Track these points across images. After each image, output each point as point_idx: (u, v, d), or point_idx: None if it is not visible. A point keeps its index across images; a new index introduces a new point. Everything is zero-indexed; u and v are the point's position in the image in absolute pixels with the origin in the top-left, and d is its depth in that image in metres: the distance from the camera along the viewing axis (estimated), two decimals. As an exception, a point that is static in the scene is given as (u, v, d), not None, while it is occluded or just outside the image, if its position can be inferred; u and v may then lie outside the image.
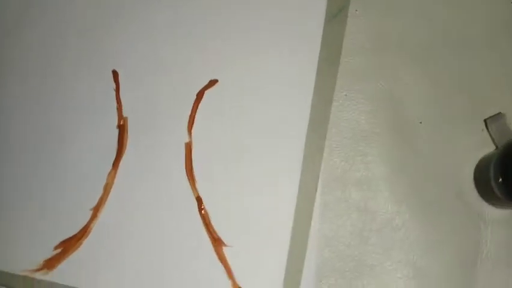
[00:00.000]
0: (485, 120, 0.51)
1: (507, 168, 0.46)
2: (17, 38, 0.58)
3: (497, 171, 0.47)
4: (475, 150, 0.52)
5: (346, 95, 0.54)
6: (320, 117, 0.54)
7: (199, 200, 0.53)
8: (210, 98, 0.55)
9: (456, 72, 0.53)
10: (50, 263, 0.54)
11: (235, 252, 0.52)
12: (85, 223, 0.54)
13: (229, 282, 0.52)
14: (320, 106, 0.54)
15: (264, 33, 0.56)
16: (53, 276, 0.54)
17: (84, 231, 0.54)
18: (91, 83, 0.57)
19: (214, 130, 0.55)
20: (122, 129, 0.56)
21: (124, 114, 0.56)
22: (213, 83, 0.55)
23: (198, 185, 0.54)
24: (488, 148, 0.52)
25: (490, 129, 0.50)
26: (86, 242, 0.54)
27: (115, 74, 0.56)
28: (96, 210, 0.54)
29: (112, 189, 0.55)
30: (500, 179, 0.46)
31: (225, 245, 0.52)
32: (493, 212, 0.51)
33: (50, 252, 0.54)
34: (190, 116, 0.55)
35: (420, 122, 0.53)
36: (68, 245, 0.54)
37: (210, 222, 0.53)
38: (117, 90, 0.56)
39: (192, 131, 0.55)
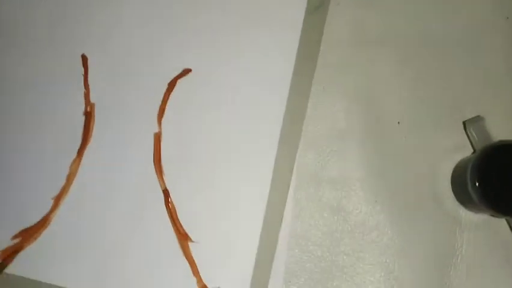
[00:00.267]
0: (463, 123, 0.50)
1: (484, 172, 0.45)
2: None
3: (474, 175, 0.45)
4: (453, 153, 0.50)
5: (324, 88, 0.53)
6: (295, 113, 0.52)
7: (166, 193, 0.51)
8: (182, 88, 0.53)
9: (436, 73, 0.52)
10: (6, 254, 0.51)
11: (201, 249, 0.50)
12: (46, 213, 0.52)
13: (194, 280, 0.50)
14: (297, 101, 0.52)
15: (242, 23, 0.54)
16: (9, 267, 0.51)
17: (44, 222, 0.52)
18: (58, 66, 0.54)
19: (185, 121, 0.52)
20: (89, 116, 0.53)
21: (92, 100, 0.53)
22: (186, 72, 0.53)
23: (165, 177, 0.52)
24: (466, 151, 0.50)
25: (468, 132, 0.49)
26: (45, 233, 0.52)
27: (84, 58, 0.54)
28: (57, 199, 0.52)
29: (75, 179, 0.52)
30: (477, 183, 0.45)
31: (191, 241, 0.50)
32: (469, 216, 0.50)
33: (7, 242, 0.52)
34: (161, 105, 0.53)
35: (398, 123, 0.52)
36: (27, 235, 0.51)
37: (176, 216, 0.51)
38: (85, 75, 0.54)
39: (162, 121, 0.53)
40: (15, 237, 0.52)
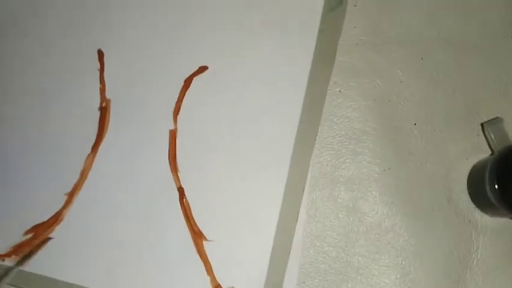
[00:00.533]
0: (482, 124, 0.49)
1: (504, 174, 0.45)
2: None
3: (493, 177, 0.45)
4: (469, 154, 0.50)
5: (340, 91, 0.52)
6: (312, 113, 0.52)
7: (181, 191, 0.51)
8: (199, 85, 0.53)
9: (454, 74, 0.52)
10: (19, 249, 0.51)
11: (216, 248, 0.50)
12: (58, 209, 0.51)
13: (208, 279, 0.49)
14: (313, 101, 0.52)
15: (259, 22, 0.54)
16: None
17: (56, 218, 0.51)
18: (74, 61, 0.54)
19: (201, 119, 0.52)
20: (104, 111, 0.53)
21: (107, 96, 0.53)
22: (202, 69, 0.53)
23: (180, 175, 0.51)
24: (483, 153, 0.50)
25: (486, 134, 0.49)
26: (58, 229, 0.51)
27: (100, 53, 0.54)
28: (71, 196, 0.51)
29: (89, 175, 0.52)
30: (496, 186, 0.45)
31: (206, 239, 0.50)
32: (486, 220, 0.49)
33: (19, 238, 0.51)
34: (177, 102, 0.52)
35: (415, 124, 0.52)
36: (39, 231, 0.51)
37: (191, 214, 0.50)
38: (101, 70, 0.53)
39: (178, 118, 0.52)
40: (27, 232, 0.51)
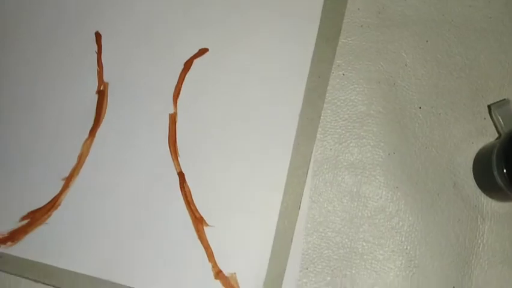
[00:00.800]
0: (489, 106, 0.49)
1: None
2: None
3: (501, 160, 0.44)
4: (475, 138, 0.49)
5: (344, 74, 0.51)
6: (315, 96, 0.51)
7: (181, 176, 0.50)
8: (199, 68, 0.52)
9: (459, 56, 0.51)
10: (15, 235, 0.49)
11: (217, 233, 0.49)
12: (55, 194, 0.50)
13: (209, 265, 0.48)
14: (316, 84, 0.51)
15: (260, 5, 0.52)
16: (17, 249, 0.49)
17: (53, 203, 0.50)
18: (70, 43, 0.52)
19: (202, 102, 0.51)
20: (101, 95, 0.51)
21: (105, 79, 0.52)
22: (202, 51, 0.52)
23: (181, 160, 0.50)
24: (489, 137, 0.49)
25: (493, 116, 0.48)
26: (55, 214, 0.50)
27: (98, 35, 0.52)
28: (68, 180, 0.50)
29: (86, 160, 0.51)
30: (505, 170, 0.44)
31: (207, 225, 0.49)
32: (492, 205, 0.49)
33: (16, 224, 0.50)
34: (177, 85, 0.51)
35: (420, 107, 0.51)
36: (36, 217, 0.50)
37: (192, 199, 0.49)
38: (99, 53, 0.52)
39: (178, 101, 0.51)
40: (24, 218, 0.50)
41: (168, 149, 0.50)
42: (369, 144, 0.50)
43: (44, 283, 0.49)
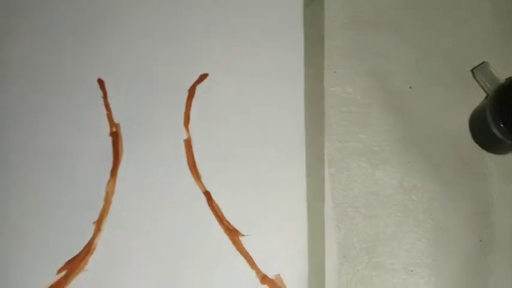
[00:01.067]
0: (472, 71, 0.53)
1: (504, 110, 0.48)
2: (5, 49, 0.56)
3: (496, 116, 0.48)
4: (466, 103, 0.54)
5: (335, 71, 0.56)
6: (315, 99, 0.54)
7: (207, 194, 0.52)
8: (202, 92, 0.55)
9: (434, 35, 0.56)
10: (55, 288, 0.50)
11: (253, 241, 0.50)
12: (89, 239, 0.51)
13: (253, 272, 0.50)
14: (313, 87, 0.54)
15: (247, 25, 0.56)
16: (61, 300, 0.49)
17: (88, 248, 0.51)
18: (77, 94, 0.54)
19: (211, 123, 0.54)
20: (115, 136, 0.53)
21: (116, 120, 0.54)
22: (203, 77, 0.55)
23: (203, 180, 0.52)
24: (477, 101, 0.54)
25: (478, 79, 0.53)
26: (92, 259, 0.50)
27: (101, 82, 0.55)
28: (99, 223, 0.51)
29: (113, 199, 0.52)
30: (501, 124, 0.48)
31: (242, 235, 0.51)
32: (494, 159, 0.53)
33: (53, 277, 0.50)
34: (185, 112, 0.54)
35: (410, 87, 0.55)
36: (73, 265, 0.50)
37: (222, 214, 0.51)
38: (105, 97, 0.54)
39: (189, 127, 0.54)
40: (61, 269, 0.50)
41: (190, 172, 0.52)
42: (374, 130, 0.54)
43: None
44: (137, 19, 0.56)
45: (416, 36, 0.56)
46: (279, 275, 0.50)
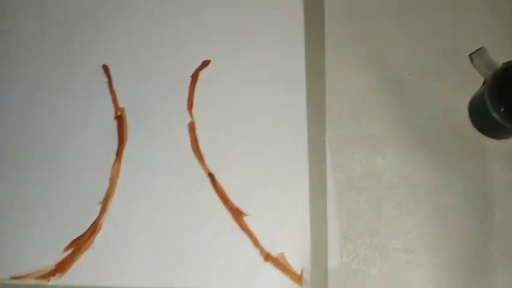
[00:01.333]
0: (470, 56, 0.55)
1: (502, 95, 0.48)
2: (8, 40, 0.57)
3: (494, 100, 0.49)
4: (465, 89, 0.55)
5: (337, 61, 0.56)
6: (316, 90, 0.55)
7: (211, 176, 0.53)
8: (205, 77, 0.56)
9: (435, 22, 0.57)
10: (62, 266, 0.50)
11: (256, 221, 0.51)
12: (95, 218, 0.52)
13: (257, 251, 0.50)
14: (315, 78, 0.55)
15: (249, 19, 0.57)
16: (67, 279, 0.50)
17: (94, 227, 0.51)
18: (83, 79, 0.55)
19: (214, 107, 0.55)
20: (120, 119, 0.54)
21: (120, 105, 0.55)
22: (206, 63, 0.56)
23: (207, 162, 0.53)
24: (476, 86, 0.55)
25: (475, 64, 0.54)
26: (97, 238, 0.51)
27: (105, 68, 0.56)
28: (104, 203, 0.52)
29: (118, 180, 0.53)
30: (502, 109, 0.48)
31: (245, 215, 0.51)
32: (494, 144, 0.53)
33: (60, 255, 0.51)
34: (189, 97, 0.55)
35: (410, 74, 0.56)
36: (80, 244, 0.51)
37: (226, 195, 0.52)
38: (109, 82, 0.55)
39: (192, 111, 0.55)
40: (68, 247, 0.51)
41: (193, 154, 0.53)
42: (374, 116, 0.55)
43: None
44: (141, 6, 0.58)
45: (415, 23, 0.57)
46: (282, 253, 0.50)
